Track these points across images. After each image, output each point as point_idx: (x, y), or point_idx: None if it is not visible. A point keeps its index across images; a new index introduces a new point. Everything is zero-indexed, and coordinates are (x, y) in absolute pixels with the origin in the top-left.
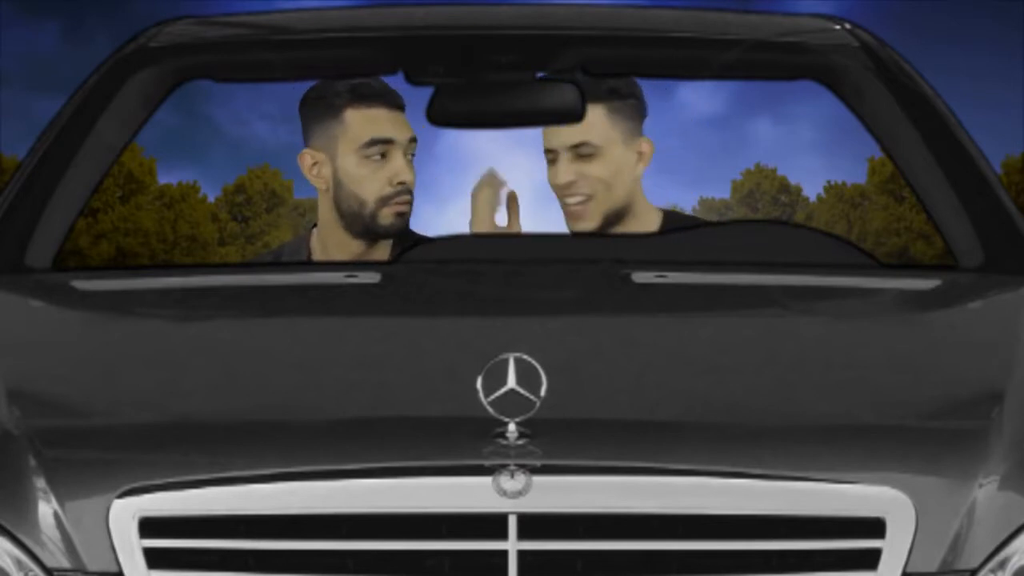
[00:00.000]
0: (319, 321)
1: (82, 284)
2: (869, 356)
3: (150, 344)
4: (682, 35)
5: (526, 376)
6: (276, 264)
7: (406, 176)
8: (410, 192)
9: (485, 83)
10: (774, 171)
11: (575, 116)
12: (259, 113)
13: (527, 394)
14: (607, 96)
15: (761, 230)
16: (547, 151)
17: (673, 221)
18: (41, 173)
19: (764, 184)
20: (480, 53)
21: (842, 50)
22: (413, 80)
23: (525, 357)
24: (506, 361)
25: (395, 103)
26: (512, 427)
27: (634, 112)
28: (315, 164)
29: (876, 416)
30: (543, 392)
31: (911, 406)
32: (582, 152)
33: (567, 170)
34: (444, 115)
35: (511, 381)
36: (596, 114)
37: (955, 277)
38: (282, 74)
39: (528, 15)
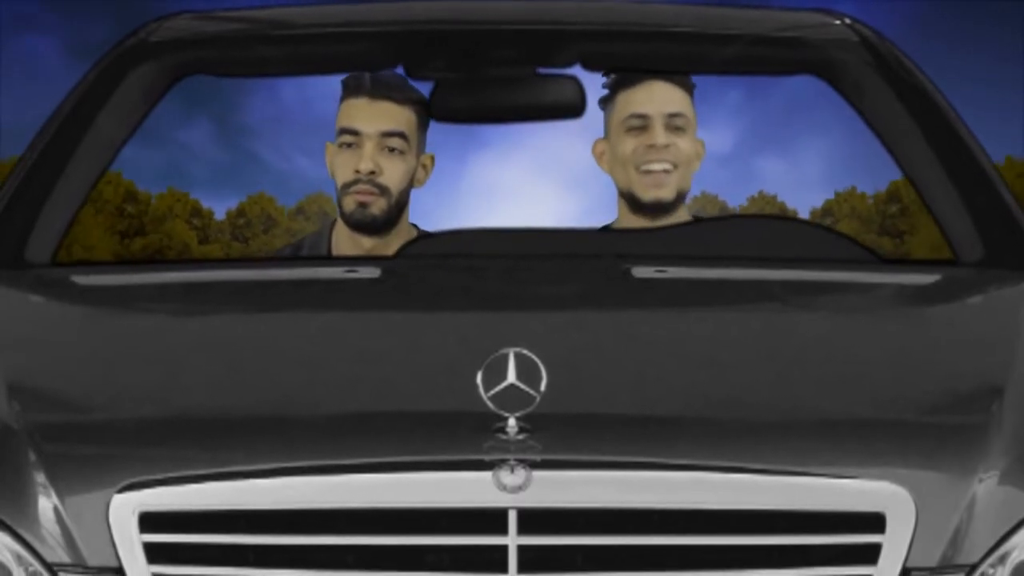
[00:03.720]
0: (319, 316)
1: (82, 279)
2: (869, 351)
3: (150, 339)
4: (682, 30)
5: (526, 371)
6: (275, 259)
7: (368, 166)
8: (376, 184)
9: (485, 78)
10: (774, 197)
11: (575, 111)
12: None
13: (527, 389)
14: (689, 86)
15: (761, 225)
16: (636, 116)
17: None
18: (41, 168)
19: (766, 209)
20: (480, 48)
21: (842, 45)
22: (413, 75)
23: (525, 352)
24: (506, 356)
25: (385, 95)
26: (512, 422)
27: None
28: (329, 155)
29: (876, 411)
30: (543, 387)
31: (911, 401)
32: (676, 123)
33: (664, 135)
34: (444, 110)
35: (511, 376)
36: (684, 96)
37: (955, 272)
38: (281, 69)
39: (528, 10)
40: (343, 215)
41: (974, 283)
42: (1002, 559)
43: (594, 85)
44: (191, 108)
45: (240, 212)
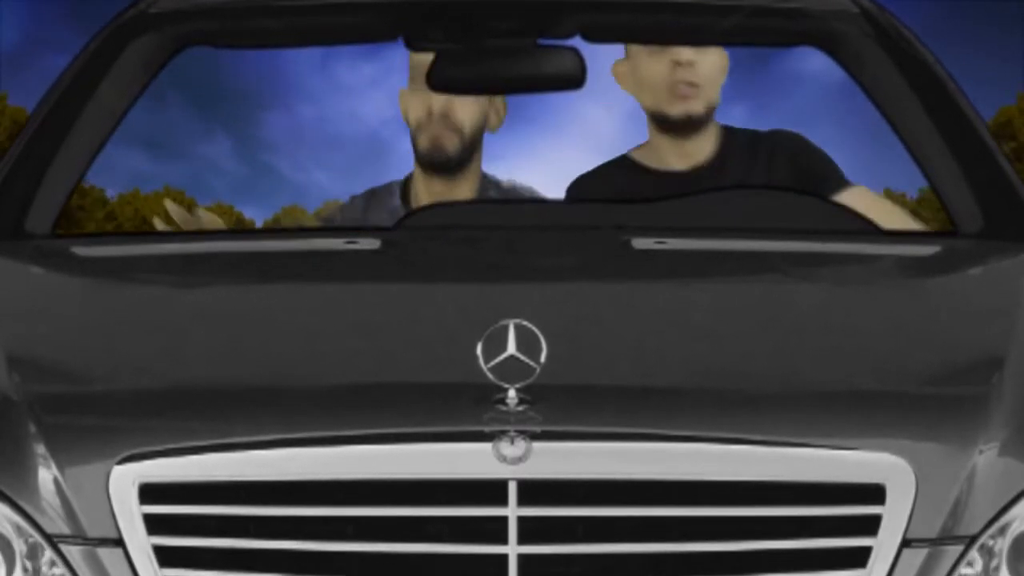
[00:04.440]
0: (319, 287)
1: (82, 250)
2: (869, 322)
3: (150, 310)
4: (682, 1)
5: (526, 342)
6: (276, 230)
7: (440, 106)
8: (449, 124)
9: (485, 49)
10: None
11: (576, 82)
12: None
13: (527, 360)
14: None
15: (761, 196)
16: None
17: (728, 136)
18: (41, 139)
19: None
20: (480, 19)
21: (842, 16)
22: (413, 46)
23: (525, 323)
24: (506, 327)
25: None
26: (512, 393)
27: None
28: (402, 100)
29: (876, 382)
30: (543, 358)
31: (911, 372)
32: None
33: (687, 50)
34: (444, 81)
35: (511, 347)
36: None
37: (955, 243)
38: (282, 40)
39: None
40: (418, 155)
41: (974, 254)
42: (1002, 530)
43: (594, 56)
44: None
45: (275, 222)
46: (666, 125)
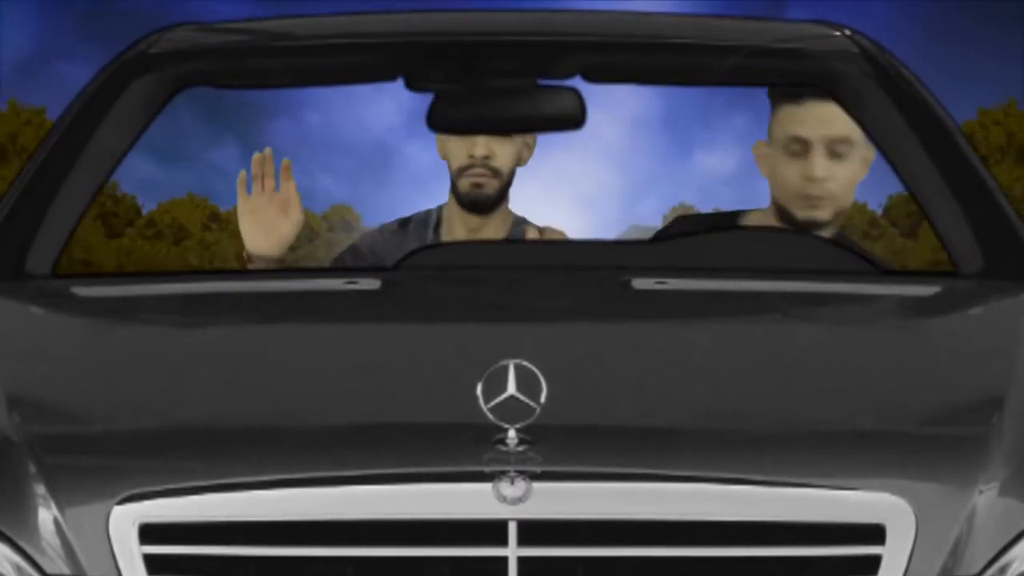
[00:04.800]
0: (319, 327)
1: (82, 291)
2: (869, 362)
3: (150, 350)
4: (682, 41)
5: (526, 382)
6: (275, 271)
7: (483, 151)
8: (490, 168)
9: (485, 89)
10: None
11: (576, 122)
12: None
13: (527, 400)
14: None
15: (760, 237)
16: (796, 140)
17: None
18: (42, 179)
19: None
20: (480, 59)
21: (842, 56)
22: (413, 86)
23: (525, 363)
24: (506, 367)
25: None
26: (512, 433)
27: None
28: (439, 142)
29: (876, 422)
30: (543, 398)
31: (911, 412)
32: (838, 150)
33: (824, 164)
34: (444, 121)
35: (511, 387)
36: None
37: (955, 283)
38: (282, 81)
39: (528, 21)
40: (459, 196)
41: (974, 294)
42: (1002, 570)
43: (594, 97)
44: (219, 129)
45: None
46: (787, 219)
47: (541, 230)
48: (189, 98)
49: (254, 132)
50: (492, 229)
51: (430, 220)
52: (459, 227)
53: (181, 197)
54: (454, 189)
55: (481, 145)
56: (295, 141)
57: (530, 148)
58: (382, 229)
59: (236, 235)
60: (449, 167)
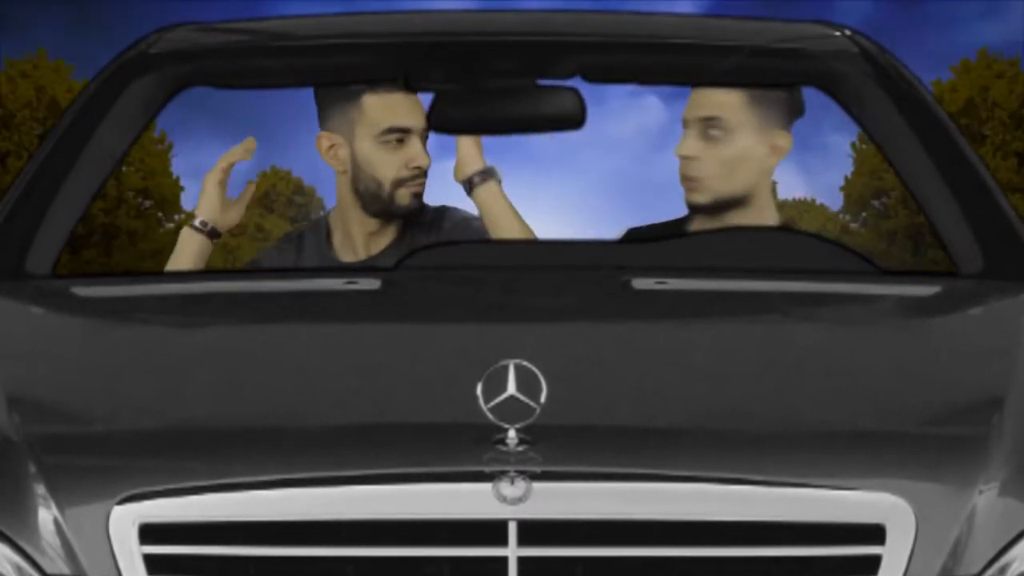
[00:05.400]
0: (319, 327)
1: (82, 291)
2: (869, 362)
3: (150, 350)
4: (682, 42)
5: (526, 382)
6: (276, 270)
7: (422, 161)
8: (425, 174)
9: (485, 89)
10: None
11: (575, 122)
12: None
13: (527, 400)
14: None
15: (760, 237)
16: (683, 121)
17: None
18: (42, 179)
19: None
20: (480, 59)
21: (842, 56)
22: (413, 87)
23: (525, 363)
24: (506, 367)
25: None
26: (512, 433)
27: (779, 105)
28: (332, 146)
29: (876, 422)
30: (543, 398)
31: (911, 412)
32: (710, 131)
33: (691, 144)
34: (444, 121)
35: (511, 387)
36: (735, 95)
37: (955, 283)
38: (282, 81)
39: (528, 21)
40: (393, 208)
41: (974, 294)
42: (1002, 570)
43: (594, 96)
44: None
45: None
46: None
47: (466, 218)
48: (202, 103)
49: (268, 135)
50: (392, 228)
51: (321, 229)
52: (358, 231)
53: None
54: (386, 203)
55: (421, 155)
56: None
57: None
58: (279, 245)
59: (255, 238)
60: (373, 182)
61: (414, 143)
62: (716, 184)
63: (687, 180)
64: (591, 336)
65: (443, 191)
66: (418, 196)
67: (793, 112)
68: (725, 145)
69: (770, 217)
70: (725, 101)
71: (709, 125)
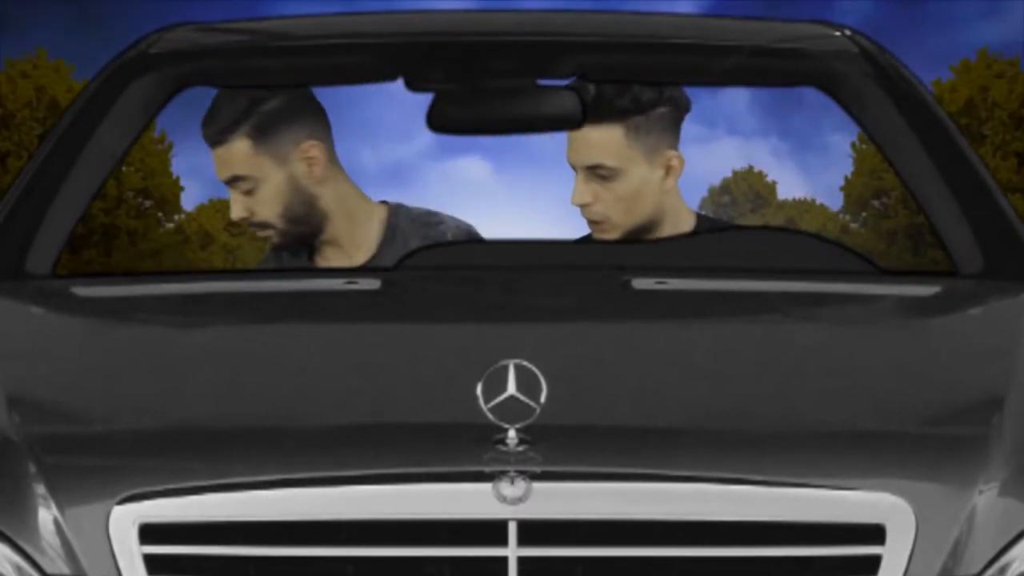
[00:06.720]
0: (319, 327)
1: (82, 291)
2: (869, 362)
3: (150, 350)
4: (682, 41)
5: (526, 382)
6: (276, 270)
7: (239, 214)
8: (255, 224)
9: (485, 89)
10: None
11: (574, 122)
12: None
13: (527, 400)
14: (624, 115)
15: (761, 236)
16: (569, 163)
17: (704, 225)
18: (41, 179)
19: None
20: (480, 59)
21: (842, 56)
22: (413, 87)
23: (525, 363)
24: (506, 367)
25: (214, 141)
26: (512, 433)
27: (662, 123)
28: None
29: (876, 422)
30: (543, 398)
31: (911, 412)
32: (600, 172)
33: (582, 190)
34: (443, 121)
35: (511, 387)
36: (613, 135)
37: (955, 283)
38: (282, 81)
39: (528, 21)
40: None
41: (974, 294)
42: (1002, 570)
43: None
44: None
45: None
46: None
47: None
48: (202, 103)
49: None
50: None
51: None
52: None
53: (203, 204)
54: (314, 245)
55: (235, 208)
56: None
57: (311, 158)
58: (265, 258)
59: (254, 238)
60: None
61: (232, 195)
62: (620, 220)
63: (591, 224)
64: (591, 336)
65: (444, 191)
66: (267, 240)
67: (676, 121)
68: (618, 184)
69: (687, 221)
70: (604, 143)
71: (596, 168)
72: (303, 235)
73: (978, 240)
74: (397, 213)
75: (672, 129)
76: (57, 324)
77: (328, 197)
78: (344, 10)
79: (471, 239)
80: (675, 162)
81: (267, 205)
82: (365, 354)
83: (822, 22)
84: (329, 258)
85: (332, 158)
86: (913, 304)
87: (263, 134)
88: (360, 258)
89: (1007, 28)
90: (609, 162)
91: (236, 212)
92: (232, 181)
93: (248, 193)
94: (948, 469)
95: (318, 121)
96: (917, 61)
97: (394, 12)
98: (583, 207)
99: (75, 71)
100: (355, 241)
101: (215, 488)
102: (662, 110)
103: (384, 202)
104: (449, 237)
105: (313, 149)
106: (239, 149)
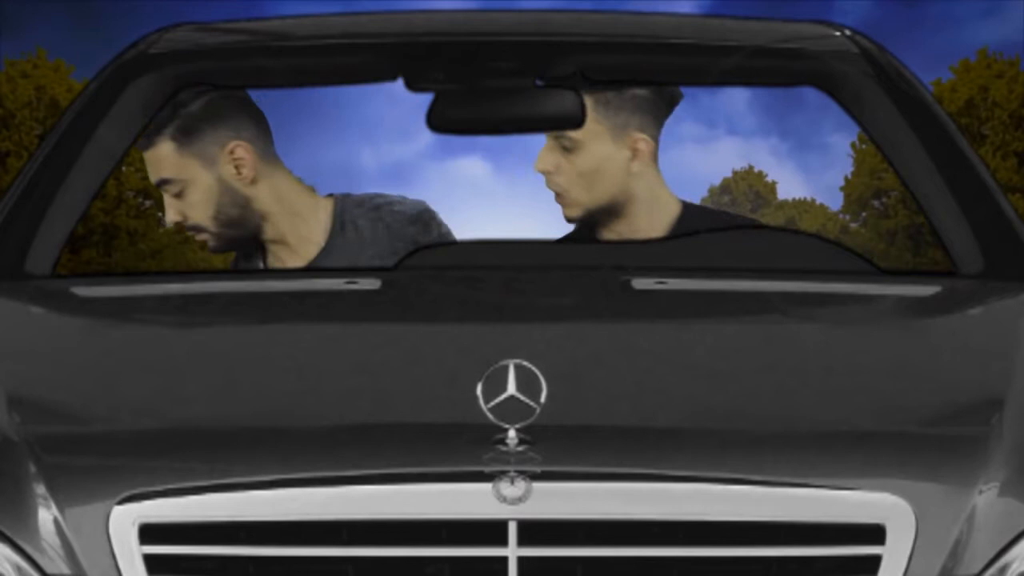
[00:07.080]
0: (319, 327)
1: (82, 291)
2: (869, 362)
3: (150, 350)
4: (682, 42)
5: (526, 382)
6: (276, 271)
7: (172, 217)
8: (191, 227)
9: (485, 89)
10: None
11: (575, 122)
12: None
13: (527, 400)
14: (601, 94)
15: (761, 236)
16: None
17: (692, 213)
18: (41, 179)
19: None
20: (480, 59)
21: (842, 56)
22: (413, 87)
23: (525, 363)
24: (506, 367)
25: (143, 145)
26: (512, 433)
27: (635, 104)
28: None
29: (876, 422)
30: (543, 398)
31: (911, 412)
32: (563, 143)
33: (545, 158)
34: (443, 121)
35: (511, 387)
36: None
37: (955, 283)
38: (282, 81)
39: (528, 21)
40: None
41: (974, 294)
42: (1002, 570)
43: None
44: None
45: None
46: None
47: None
48: None
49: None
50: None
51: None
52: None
53: None
54: (263, 243)
55: (168, 212)
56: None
57: (238, 160)
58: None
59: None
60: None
61: (165, 199)
62: (580, 196)
63: (556, 198)
64: (591, 336)
65: (444, 191)
66: (203, 245)
67: (653, 112)
68: (579, 156)
69: (667, 211)
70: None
71: (560, 137)
72: (239, 238)
73: (978, 240)
74: (343, 202)
75: (648, 113)
76: (57, 324)
77: (264, 198)
78: (344, 10)
79: (424, 215)
80: (642, 144)
81: (198, 208)
82: (365, 354)
83: (822, 22)
84: (280, 256)
85: (266, 158)
86: (913, 304)
87: (187, 135)
88: (310, 253)
89: (1007, 28)
90: (571, 132)
91: (169, 216)
92: (162, 184)
93: (178, 196)
94: (948, 469)
95: (246, 121)
96: (917, 61)
97: (394, 12)
98: (546, 176)
99: (75, 71)
100: (302, 237)
101: (215, 488)
102: (638, 92)
103: (331, 195)
104: (397, 211)
105: (239, 150)
106: (164, 151)
